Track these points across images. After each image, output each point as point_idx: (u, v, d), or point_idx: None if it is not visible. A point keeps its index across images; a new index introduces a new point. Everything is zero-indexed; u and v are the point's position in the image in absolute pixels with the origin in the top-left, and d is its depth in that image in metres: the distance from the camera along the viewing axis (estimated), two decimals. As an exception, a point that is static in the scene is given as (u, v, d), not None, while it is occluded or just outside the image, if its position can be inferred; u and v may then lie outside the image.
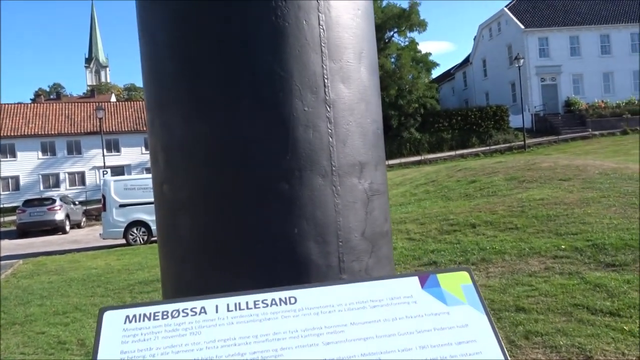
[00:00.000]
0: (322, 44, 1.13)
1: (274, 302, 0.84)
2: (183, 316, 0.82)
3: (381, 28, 37.69)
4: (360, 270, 1.14)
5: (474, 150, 34.32)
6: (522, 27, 40.79)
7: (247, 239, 1.07)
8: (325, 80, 1.12)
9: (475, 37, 50.77)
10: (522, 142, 32.77)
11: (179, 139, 1.14)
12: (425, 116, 37.71)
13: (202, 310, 0.83)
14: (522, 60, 34.16)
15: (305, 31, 1.11)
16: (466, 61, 53.29)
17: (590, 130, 34.78)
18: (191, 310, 0.83)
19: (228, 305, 0.83)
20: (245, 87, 1.10)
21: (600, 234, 6.77)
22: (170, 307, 0.83)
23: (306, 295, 0.84)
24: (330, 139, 1.12)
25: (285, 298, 0.85)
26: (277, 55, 1.10)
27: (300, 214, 1.08)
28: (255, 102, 1.10)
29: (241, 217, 1.07)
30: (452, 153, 34.00)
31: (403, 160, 33.19)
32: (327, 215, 1.11)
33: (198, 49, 1.11)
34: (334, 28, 1.15)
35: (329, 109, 1.12)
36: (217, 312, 0.83)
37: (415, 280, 0.83)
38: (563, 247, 6.53)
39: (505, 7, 44.37)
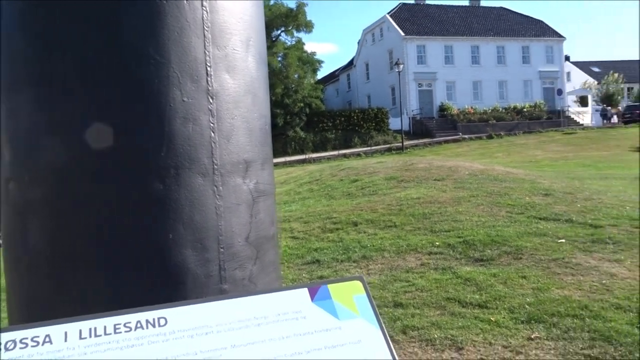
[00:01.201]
0: (205, 28, 1.01)
1: (139, 325, 0.69)
2: (21, 348, 0.63)
3: (268, 26, 37.63)
4: (243, 278, 1.04)
5: (356, 150, 35.45)
6: (403, 34, 42.91)
7: (111, 247, 0.92)
8: (208, 69, 1.01)
9: (359, 41, 52.52)
10: (401, 144, 34.44)
11: (29, 128, 0.96)
12: (310, 116, 38.28)
13: (47, 340, 0.65)
14: (401, 66, 35.90)
15: (185, 11, 0.98)
16: (350, 64, 54.95)
17: (461, 133, 37.46)
18: (32, 340, 0.64)
19: (80, 331, 0.66)
20: (112, 72, 0.94)
21: (470, 231, 7.24)
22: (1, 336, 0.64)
23: (179, 315, 0.71)
24: (212, 134, 1.01)
25: (154, 319, 0.70)
26: (152, 37, 0.96)
27: (176, 218, 0.95)
28: (125, 89, 0.95)
29: (105, 221, 0.92)
30: (336, 152, 34.86)
31: (288, 158, 33.40)
32: (207, 219, 0.99)
33: (54, 23, 0.94)
34: (220, 11, 1.03)
35: (211, 100, 1.01)
36: (65, 340, 0.65)
37: (304, 292, 0.75)
38: (437, 243, 6.89)
39: (388, 14, 46.40)
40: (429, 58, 43.40)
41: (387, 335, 0.75)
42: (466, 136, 36.74)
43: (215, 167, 1.00)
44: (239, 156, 1.05)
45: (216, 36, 1.02)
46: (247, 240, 1.05)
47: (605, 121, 43.06)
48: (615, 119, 43.84)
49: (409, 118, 40.66)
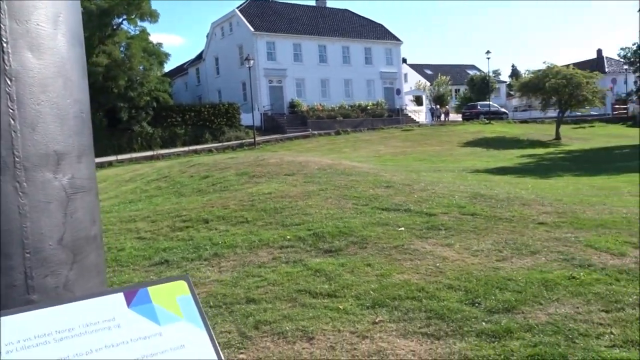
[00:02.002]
0: (0, -3, 0.86)
1: None
2: None
3: (109, 13, 35.16)
4: (57, 286, 0.91)
5: (207, 146, 34.73)
6: (252, 29, 42.93)
7: None
8: (5, 45, 0.86)
9: (208, 34, 51.44)
10: (253, 139, 34.50)
11: None
12: (157, 110, 36.59)
13: None
14: (252, 62, 35.93)
15: (-28, -24, 0.83)
16: (199, 57, 53.64)
17: (310, 130, 38.59)
18: None
19: None
20: None
21: (319, 224, 7.46)
22: None
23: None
24: (12, 122, 0.86)
25: None
26: None
27: (-35, 220, 0.80)
28: None
29: None
30: (186, 149, 33.82)
31: (134, 155, 31.64)
32: (9, 220, 0.85)
33: None
34: (19, -21, 0.89)
35: (9, 82, 0.86)
36: None
37: (120, 297, 0.67)
38: (289, 237, 6.99)
39: (237, 8, 46.08)
40: (278, 55, 43.99)
41: (214, 337, 0.70)
42: (315, 132, 37.96)
43: (17, 160, 0.86)
44: (48, 147, 0.91)
45: (14, 8, 0.88)
46: (60, 242, 0.92)
47: (434, 119, 47.32)
48: (443, 117, 48.35)
49: (261, 114, 40.87)
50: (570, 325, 4.05)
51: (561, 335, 3.91)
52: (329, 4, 53.75)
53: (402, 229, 7.11)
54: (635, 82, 36.70)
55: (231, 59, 46.03)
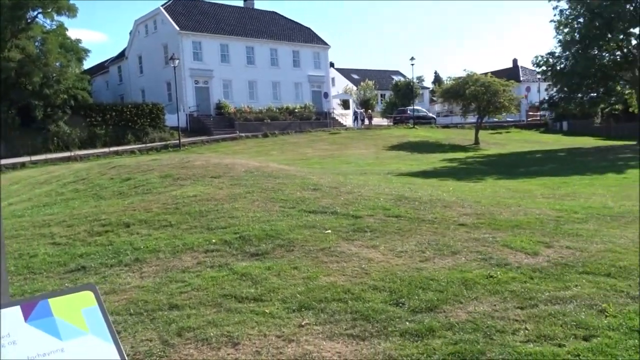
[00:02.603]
0: None
1: None
2: None
3: (22, 5, 33.08)
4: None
5: (129, 147, 33.47)
6: (178, 28, 41.87)
7: None
8: None
9: (131, 31, 49.64)
10: (178, 141, 33.63)
11: None
12: (76, 109, 34.79)
13: None
14: (177, 61, 35.04)
15: None
16: (121, 55, 51.64)
17: (238, 132, 38.15)
18: None
19: None
20: None
21: (246, 227, 7.36)
22: None
23: None
24: None
25: None
26: None
27: None
28: None
29: None
30: (106, 150, 32.42)
31: (50, 156, 29.94)
32: None
33: None
34: None
35: None
36: None
37: (16, 311, 0.60)
38: (214, 241, 6.84)
39: (162, 6, 44.79)
40: (205, 55, 43.16)
41: (122, 350, 0.64)
42: (243, 134, 37.57)
43: None
44: None
45: None
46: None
47: (356, 122, 48.14)
48: (366, 121, 49.23)
49: (186, 115, 39.92)
50: (489, 322, 4.22)
51: (480, 332, 4.06)
52: (257, 5, 53.49)
53: (329, 231, 7.15)
54: (547, 90, 39.21)
55: (155, 58, 44.66)
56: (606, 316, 4.24)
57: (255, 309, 4.70)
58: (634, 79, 29.44)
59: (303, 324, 4.36)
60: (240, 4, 52.77)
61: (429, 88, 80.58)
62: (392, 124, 47.97)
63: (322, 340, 4.08)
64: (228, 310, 4.71)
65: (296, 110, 44.81)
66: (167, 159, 15.46)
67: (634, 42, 29.51)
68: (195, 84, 42.61)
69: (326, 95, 49.39)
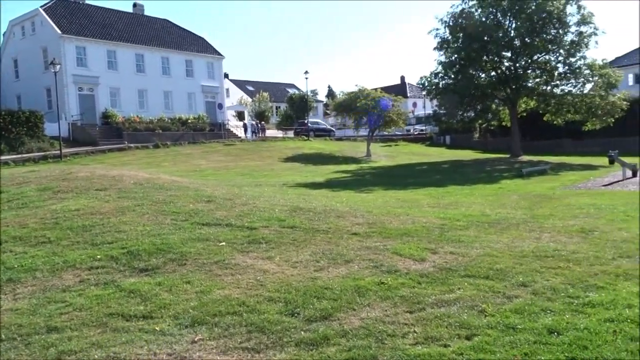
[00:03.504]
0: None
1: None
2: None
3: None
4: None
5: (3, 158, 30.67)
6: (59, 31, 39.21)
7: None
8: None
9: (4, 33, 45.74)
10: (59, 151, 31.38)
11: None
12: (-62, 115, 31.31)
13: None
14: (58, 66, 32.76)
15: None
16: (-6, 58, 47.34)
17: (126, 142, 36.36)
18: None
19: None
20: None
21: (135, 241, 7.01)
22: None
23: None
24: None
25: None
26: None
27: None
28: None
29: None
30: (-24, 160, 29.45)
31: None
32: None
33: None
34: None
35: None
36: None
37: None
38: (99, 257, 6.44)
39: (41, 7, 41.76)
40: (90, 61, 40.76)
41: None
42: (132, 145, 35.89)
43: None
44: None
45: None
46: None
47: (251, 134, 47.83)
48: (260, 134, 48.82)
49: (69, 124, 37.36)
50: (380, 327, 4.35)
51: (372, 337, 4.17)
52: (148, 12, 51.63)
53: (223, 243, 7.02)
54: (432, 108, 41.69)
55: (33, 62, 41.41)
56: (485, 316, 4.54)
57: (145, 327, 4.48)
58: (506, 98, 32.17)
59: (196, 339, 4.22)
60: (130, 9, 50.63)
61: (322, 101, 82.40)
62: (293, 135, 48.35)
63: (216, 355, 3.97)
64: (114, 330, 4.44)
65: (189, 121, 43.68)
66: (46, 171, 14.36)
67: (506, 64, 32.30)
68: (79, 91, 40.06)
69: (220, 106, 48.67)
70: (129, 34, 44.81)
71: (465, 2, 32.00)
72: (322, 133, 49.79)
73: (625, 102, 30.48)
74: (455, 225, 8.74)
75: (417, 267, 6.13)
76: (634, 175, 17.93)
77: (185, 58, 47.72)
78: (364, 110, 35.62)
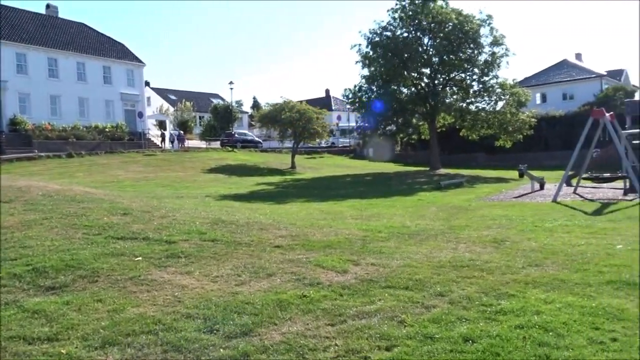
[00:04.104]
0: None
1: None
2: None
3: None
4: None
5: None
6: (-38, 31, 36.51)
7: None
8: None
9: None
10: (-40, 160, 28.98)
11: None
12: None
13: None
14: (-40, 69, 30.42)
15: None
16: None
17: (37, 151, 34.23)
18: None
19: None
20: None
21: (41, 257, 6.55)
22: None
23: None
24: None
25: None
26: None
27: None
28: None
29: None
30: None
31: None
32: None
33: None
34: None
35: None
36: None
37: None
38: (0, 274, 5.95)
39: (-60, 4, 38.67)
40: (-4, 64, 38.17)
41: None
42: (43, 154, 33.82)
43: None
44: None
45: None
46: None
47: (173, 144, 46.59)
48: (184, 143, 47.70)
49: (-29, 131, 34.74)
50: (301, 341, 4.29)
51: (293, 352, 4.10)
52: (62, 15, 49.18)
53: (139, 258, 6.71)
54: (356, 121, 42.53)
55: None
56: (405, 326, 4.60)
57: (49, 350, 4.16)
58: (426, 113, 33.42)
59: (106, 362, 3.96)
60: (42, 10, 47.97)
61: (247, 112, 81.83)
62: (219, 146, 47.45)
63: (128, 378, 3.74)
64: (14, 354, 4.09)
65: (107, 130, 41.85)
66: (-57, 181, 13.19)
67: (425, 80, 33.60)
68: (-16, 95, 37.39)
69: (141, 114, 47.05)
70: (41, 37, 42.46)
71: (390, 18, 33.04)
72: (249, 144, 49.42)
73: (533, 120, 32.62)
74: (377, 237, 8.88)
75: (339, 279, 6.14)
76: (542, 188, 19.10)
77: (103, 64, 45.87)
78: (289, 122, 35.69)
